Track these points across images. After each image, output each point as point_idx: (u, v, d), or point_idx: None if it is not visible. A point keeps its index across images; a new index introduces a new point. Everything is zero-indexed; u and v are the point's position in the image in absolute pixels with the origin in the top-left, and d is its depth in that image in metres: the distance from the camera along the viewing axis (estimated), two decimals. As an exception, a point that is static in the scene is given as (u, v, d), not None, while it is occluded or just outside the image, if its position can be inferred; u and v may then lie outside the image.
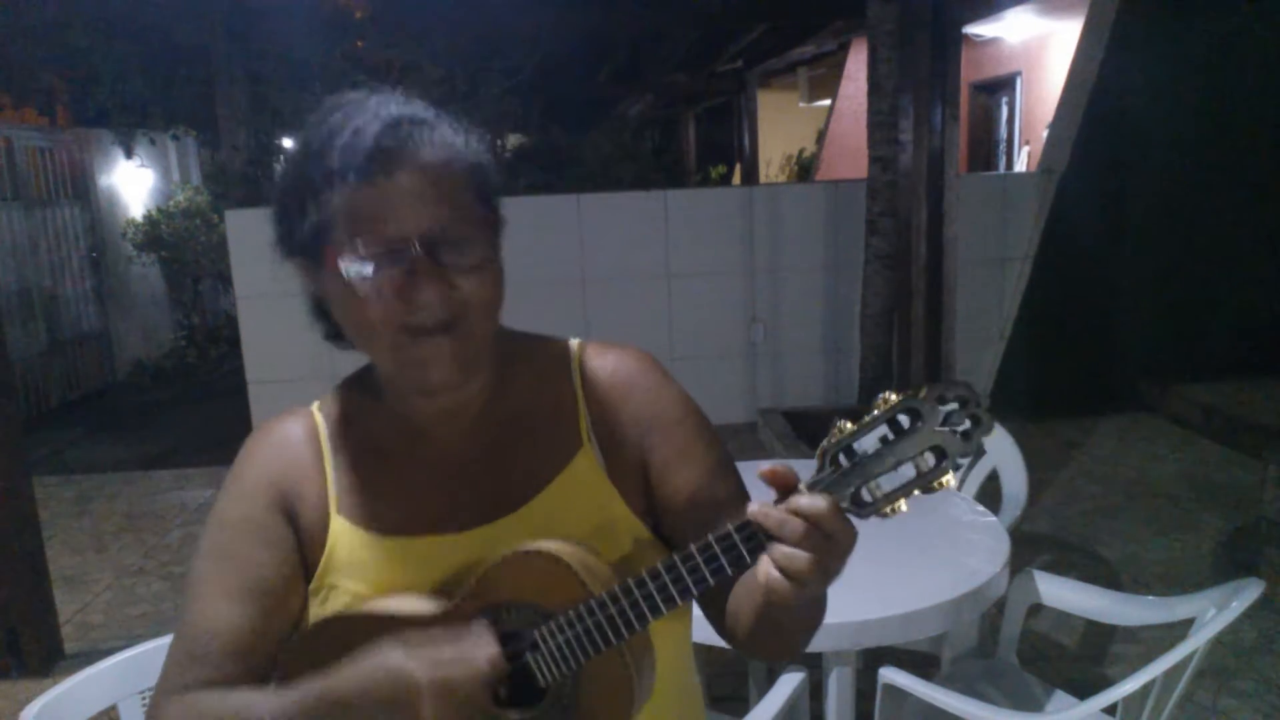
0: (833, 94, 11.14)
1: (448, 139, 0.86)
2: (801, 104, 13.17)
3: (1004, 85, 8.92)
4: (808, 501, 0.74)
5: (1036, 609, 2.21)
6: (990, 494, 2.65)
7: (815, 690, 1.93)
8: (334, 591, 0.90)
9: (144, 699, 1.50)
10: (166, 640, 1.52)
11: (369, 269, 0.82)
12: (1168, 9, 5.36)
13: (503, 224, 0.91)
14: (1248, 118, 5.51)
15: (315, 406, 1.00)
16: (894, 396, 0.76)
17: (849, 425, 0.77)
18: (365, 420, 0.97)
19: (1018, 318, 5.72)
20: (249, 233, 5.44)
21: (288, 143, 9.76)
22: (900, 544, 2.03)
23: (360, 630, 0.84)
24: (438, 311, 0.83)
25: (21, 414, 4.26)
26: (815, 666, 1.85)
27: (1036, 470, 2.84)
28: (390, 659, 0.79)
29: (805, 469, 0.80)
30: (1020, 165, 8.47)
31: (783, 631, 0.89)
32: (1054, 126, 5.75)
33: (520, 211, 5.48)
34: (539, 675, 0.84)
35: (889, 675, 1.76)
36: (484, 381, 0.94)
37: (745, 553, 0.78)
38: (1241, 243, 5.67)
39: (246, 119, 6.60)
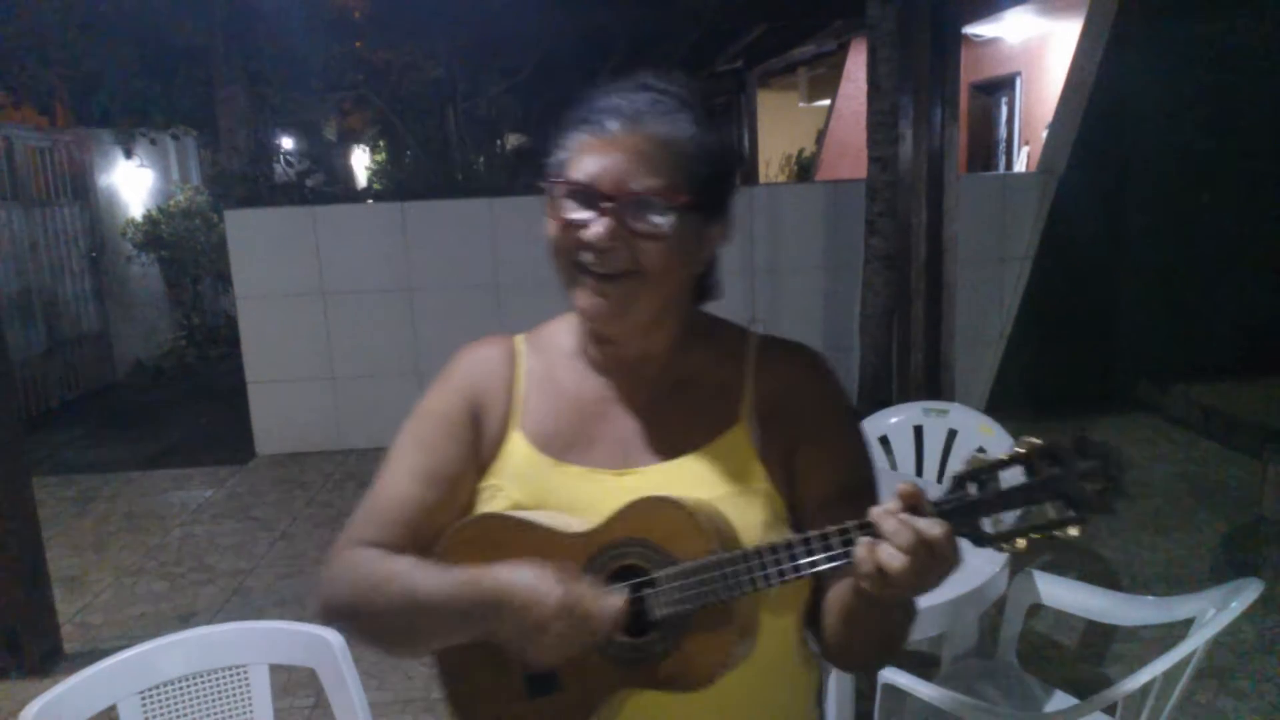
0: (833, 94, 11.14)
1: (680, 125, 0.97)
2: (801, 104, 13.18)
3: (1004, 85, 8.92)
4: (926, 523, 0.80)
5: (1036, 609, 2.21)
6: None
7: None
8: (499, 493, 1.03)
9: (144, 699, 1.50)
10: (167, 640, 1.53)
11: (568, 200, 0.97)
12: (1168, 9, 5.36)
13: (718, 221, 1.03)
14: (1248, 117, 5.51)
15: (519, 337, 1.15)
16: (1037, 440, 0.79)
17: (988, 457, 0.81)
18: (555, 357, 1.11)
19: (1018, 318, 5.72)
20: (249, 233, 5.44)
21: (288, 143, 9.76)
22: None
23: (515, 532, 0.97)
24: (606, 261, 0.95)
25: (21, 414, 4.28)
26: (815, 666, 1.85)
27: (1036, 470, 2.83)
28: (538, 576, 0.88)
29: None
30: (1020, 165, 8.47)
31: (862, 633, 0.96)
32: (1054, 126, 5.76)
33: (520, 211, 5.43)
34: (651, 611, 0.91)
35: (889, 675, 1.76)
36: (663, 345, 1.06)
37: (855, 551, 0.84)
38: (1241, 243, 5.67)
39: (246, 119, 6.60)
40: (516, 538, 0.96)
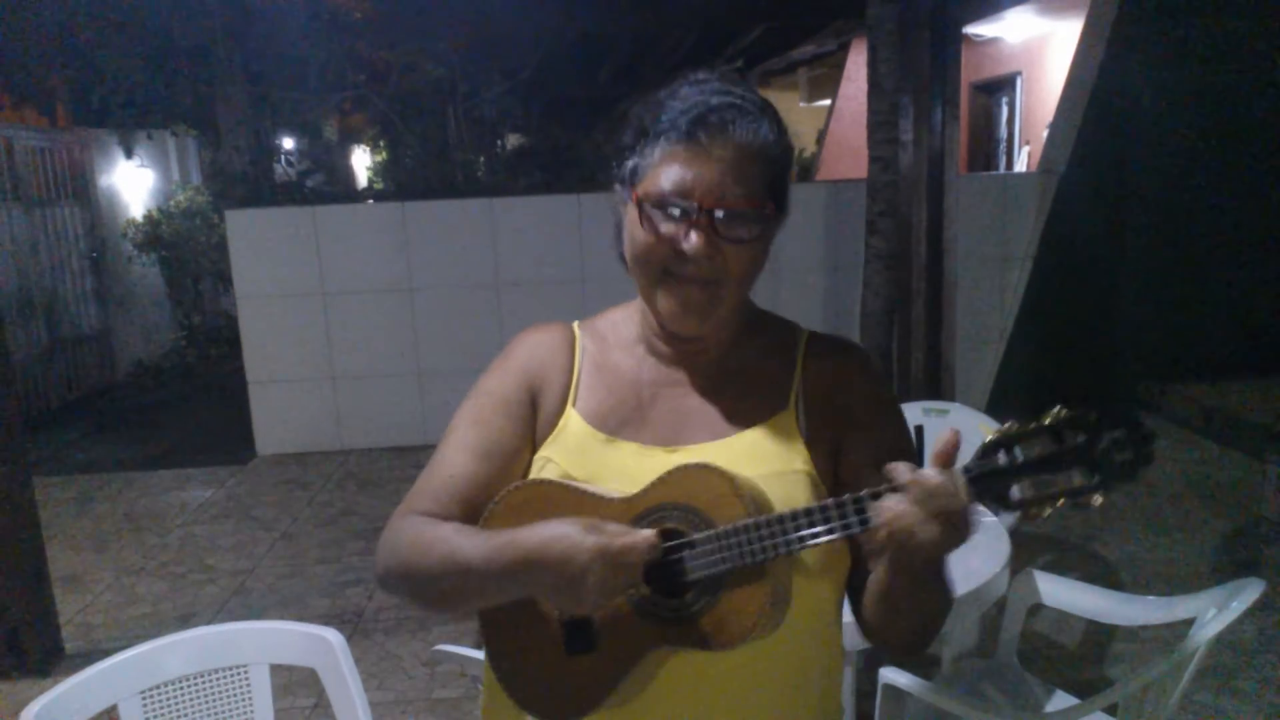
0: (833, 94, 11.14)
1: (763, 133, 1.00)
2: (801, 104, 13.17)
3: (1004, 85, 8.91)
4: (931, 473, 0.84)
5: (1036, 609, 2.21)
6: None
7: (815, 690, 1.91)
8: (550, 464, 1.07)
9: (145, 699, 1.50)
10: (167, 640, 1.53)
11: (659, 210, 0.99)
12: (1168, 9, 5.36)
13: (784, 217, 1.05)
14: (1248, 117, 5.51)
15: (575, 323, 1.19)
16: (1066, 411, 0.81)
17: (1016, 426, 0.83)
18: (613, 342, 1.15)
19: (1018, 317, 5.72)
20: (249, 233, 5.44)
21: (288, 143, 9.75)
22: (900, 544, 2.03)
23: (560, 497, 1.01)
24: (700, 269, 0.99)
25: (22, 414, 4.26)
26: (815, 666, 1.85)
27: (1036, 470, 2.85)
28: (568, 526, 0.92)
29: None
30: (1020, 165, 8.47)
31: (897, 611, 0.99)
32: (1054, 126, 5.75)
33: (520, 211, 5.43)
34: (688, 572, 0.94)
35: (889, 675, 1.76)
36: (723, 338, 1.10)
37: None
38: (1241, 243, 5.67)
39: (246, 119, 6.59)
40: (561, 502, 1.00)
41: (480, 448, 1.08)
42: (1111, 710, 1.65)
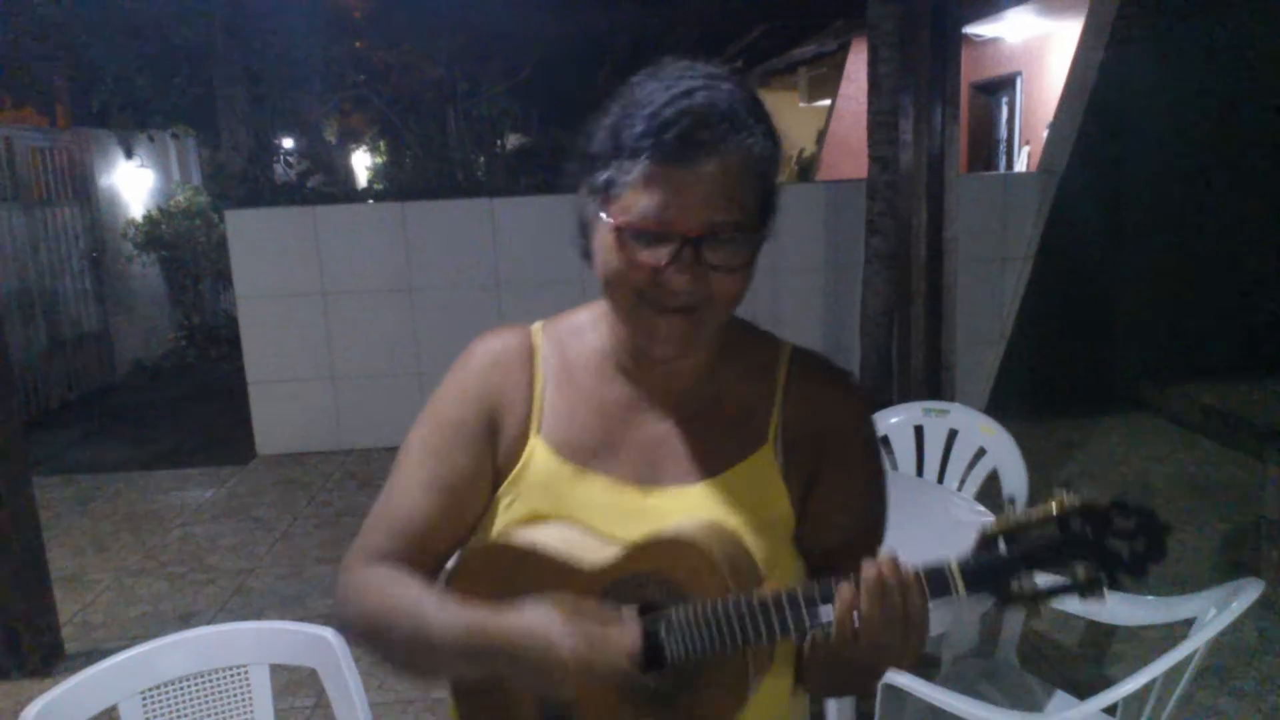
0: (833, 94, 11.14)
1: (756, 143, 0.89)
2: (801, 104, 13.17)
3: (1004, 85, 8.92)
4: (890, 572, 0.83)
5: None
6: (990, 494, 2.65)
7: (815, 690, 1.91)
8: (517, 501, 1.00)
9: (144, 699, 1.50)
10: (167, 640, 1.53)
11: (638, 239, 0.88)
12: (1168, 9, 5.36)
13: (773, 228, 0.95)
14: (1248, 118, 5.50)
15: (536, 327, 1.08)
16: (1073, 499, 0.77)
17: (1019, 514, 0.78)
18: (578, 352, 1.05)
19: (1018, 318, 5.72)
20: (249, 233, 5.44)
21: (288, 143, 9.74)
22: (900, 545, 2.03)
23: (526, 564, 0.93)
24: (683, 298, 0.90)
25: (22, 414, 4.27)
26: (815, 666, 1.85)
27: (1036, 470, 2.85)
28: (549, 626, 0.86)
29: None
30: (1020, 165, 8.47)
31: (824, 676, 0.98)
32: (1054, 126, 5.76)
33: (520, 211, 5.41)
34: (667, 649, 0.88)
35: (889, 675, 1.75)
36: (699, 360, 1.01)
37: None
38: (1241, 243, 5.67)
39: (246, 119, 6.59)
40: (529, 570, 0.93)
41: (436, 482, 1.00)
42: (1111, 710, 1.64)
